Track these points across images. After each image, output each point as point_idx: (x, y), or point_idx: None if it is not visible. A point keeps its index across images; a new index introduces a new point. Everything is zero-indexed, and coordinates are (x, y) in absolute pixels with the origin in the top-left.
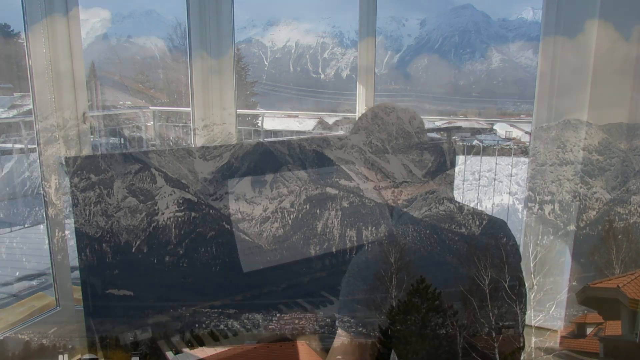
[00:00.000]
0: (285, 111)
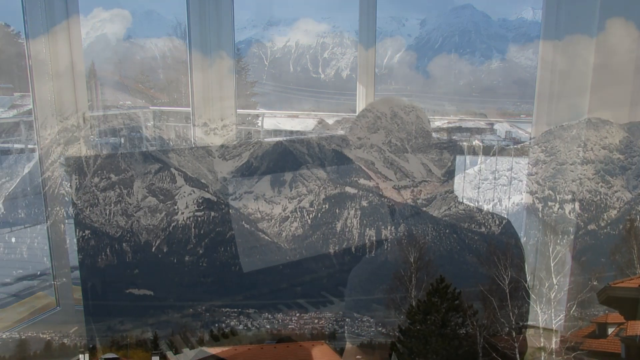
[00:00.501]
0: (286, 111)
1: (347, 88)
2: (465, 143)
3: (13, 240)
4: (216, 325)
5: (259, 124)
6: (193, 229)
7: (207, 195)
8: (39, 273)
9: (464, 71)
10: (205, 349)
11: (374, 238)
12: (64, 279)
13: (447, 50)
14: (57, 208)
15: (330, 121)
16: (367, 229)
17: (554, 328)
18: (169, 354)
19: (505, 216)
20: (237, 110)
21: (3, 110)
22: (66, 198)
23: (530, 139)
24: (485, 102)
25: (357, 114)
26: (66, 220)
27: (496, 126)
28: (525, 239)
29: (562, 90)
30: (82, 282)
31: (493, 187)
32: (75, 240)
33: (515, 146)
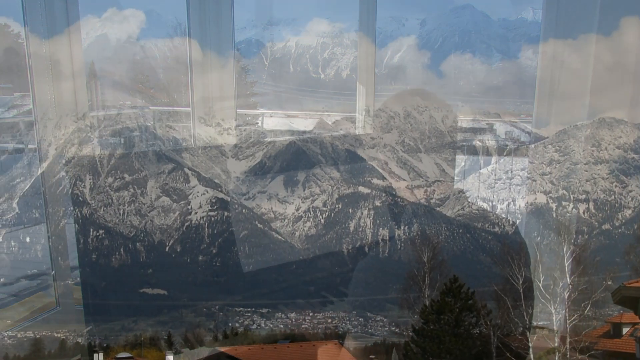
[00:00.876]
0: (286, 111)
1: (347, 88)
2: (474, 143)
3: (28, 240)
4: (229, 324)
5: (259, 124)
6: (206, 229)
7: (221, 195)
8: (52, 272)
9: (464, 70)
10: (219, 347)
11: (387, 237)
12: (79, 278)
13: (448, 50)
14: (71, 208)
15: (329, 121)
16: (381, 228)
17: (567, 329)
18: (185, 350)
19: (519, 216)
20: (238, 110)
21: (4, 110)
22: (80, 198)
23: (539, 140)
24: (488, 102)
25: (357, 114)
26: (64, 221)
27: (497, 126)
28: (539, 238)
29: (565, 89)
30: (94, 281)
31: (507, 187)
32: (88, 240)
33: (519, 146)
